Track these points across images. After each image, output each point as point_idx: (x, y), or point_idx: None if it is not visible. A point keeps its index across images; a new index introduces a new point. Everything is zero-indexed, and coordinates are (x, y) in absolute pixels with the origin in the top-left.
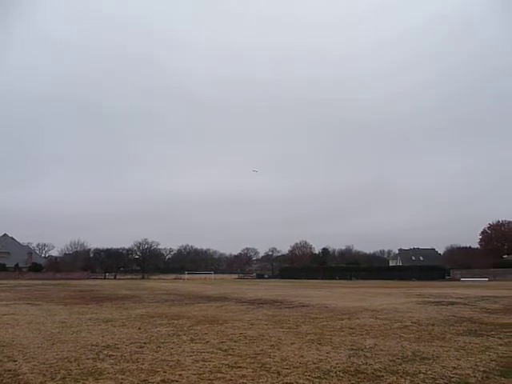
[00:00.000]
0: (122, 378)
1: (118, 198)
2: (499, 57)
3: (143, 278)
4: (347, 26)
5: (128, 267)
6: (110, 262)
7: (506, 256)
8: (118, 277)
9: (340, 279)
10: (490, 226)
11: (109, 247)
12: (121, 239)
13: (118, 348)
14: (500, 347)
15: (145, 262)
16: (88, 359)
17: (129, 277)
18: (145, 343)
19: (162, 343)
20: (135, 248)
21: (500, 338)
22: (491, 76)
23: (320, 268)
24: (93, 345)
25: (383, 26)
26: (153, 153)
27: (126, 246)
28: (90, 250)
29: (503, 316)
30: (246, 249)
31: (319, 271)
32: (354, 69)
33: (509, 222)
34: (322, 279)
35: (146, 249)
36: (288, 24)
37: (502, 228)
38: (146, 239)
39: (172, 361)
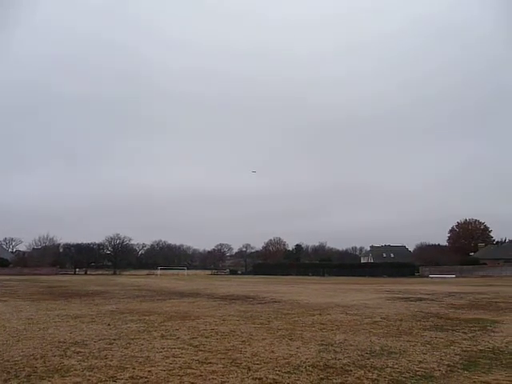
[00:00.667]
0: (90, 375)
1: (90, 193)
2: (478, 61)
3: (115, 273)
4: (323, 27)
5: (99, 263)
6: (81, 257)
7: (472, 253)
8: (88, 272)
9: (313, 275)
10: (458, 225)
11: (79, 242)
12: (92, 234)
13: (86, 345)
14: (464, 342)
15: (116, 257)
16: (55, 356)
17: (100, 272)
18: (114, 340)
19: (132, 339)
20: (107, 243)
21: (464, 333)
22: (458, 87)
23: (293, 264)
24: (60, 341)
25: (361, 28)
26: (126, 147)
27: (98, 241)
28: (59, 244)
29: (468, 311)
30: (220, 245)
31: (292, 267)
32: (328, 70)
33: (475, 221)
34: (296, 275)
35: (118, 244)
36: (263, 22)
37: (469, 226)
38: (118, 234)
39: (141, 357)
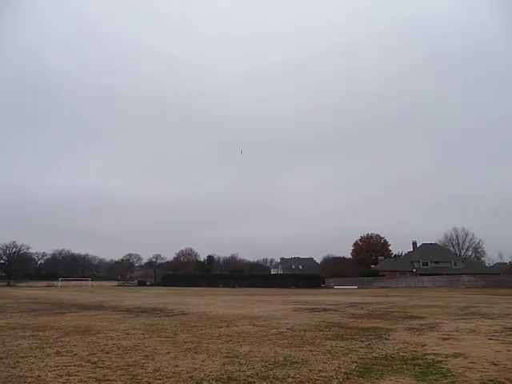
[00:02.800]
0: None
1: None
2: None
3: (9, 285)
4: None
5: None
6: None
7: (373, 266)
8: None
9: (223, 287)
10: (361, 239)
11: None
12: None
13: None
14: (361, 349)
15: (11, 267)
16: None
17: None
18: (1, 358)
19: (22, 358)
20: (0, 252)
21: (362, 341)
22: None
23: (204, 276)
24: None
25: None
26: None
27: None
28: None
29: (367, 320)
30: (129, 255)
31: (203, 279)
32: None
33: (377, 235)
34: (206, 287)
35: (14, 253)
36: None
37: (371, 240)
38: (14, 242)
39: (31, 377)
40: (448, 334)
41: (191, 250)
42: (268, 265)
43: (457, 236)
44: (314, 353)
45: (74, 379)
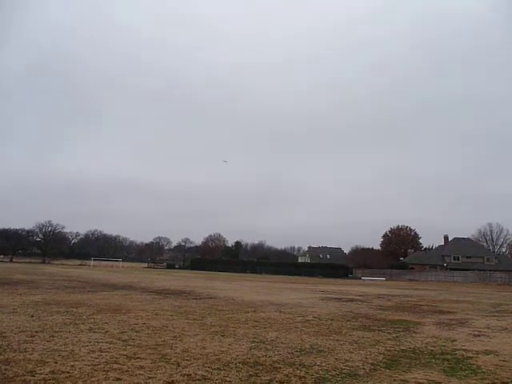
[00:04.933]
0: (6, 369)
1: (18, 170)
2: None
3: (44, 262)
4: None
5: (28, 250)
6: (6, 243)
7: (402, 258)
8: (14, 260)
9: (250, 273)
10: (391, 230)
11: (6, 228)
12: (21, 220)
13: (4, 337)
14: (388, 341)
15: (47, 245)
16: None
17: (27, 261)
18: (37, 332)
19: (56, 332)
20: (37, 230)
21: (389, 333)
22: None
23: (231, 261)
24: None
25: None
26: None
27: (27, 228)
28: None
29: (394, 313)
30: (159, 238)
31: (230, 264)
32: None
33: (407, 227)
34: (233, 272)
35: (50, 231)
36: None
37: (401, 232)
38: (49, 221)
39: (65, 351)
40: (479, 331)
41: (219, 235)
42: (295, 253)
43: (491, 231)
44: (341, 342)
45: (105, 355)
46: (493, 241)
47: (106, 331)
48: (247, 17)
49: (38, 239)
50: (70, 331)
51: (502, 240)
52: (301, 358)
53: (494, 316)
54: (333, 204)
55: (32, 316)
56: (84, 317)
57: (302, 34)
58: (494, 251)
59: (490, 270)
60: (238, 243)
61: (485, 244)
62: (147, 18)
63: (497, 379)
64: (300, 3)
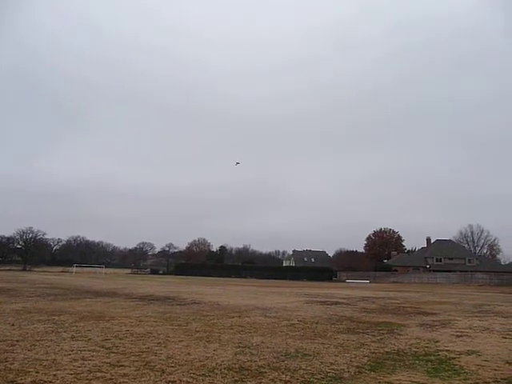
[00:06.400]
0: None
1: None
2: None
3: (25, 269)
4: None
5: (8, 258)
6: None
7: (386, 260)
8: None
9: (235, 277)
10: (375, 233)
11: None
12: (0, 226)
13: None
14: (373, 344)
15: (28, 252)
16: None
17: (8, 268)
18: (17, 341)
19: (38, 341)
20: (17, 237)
21: (373, 336)
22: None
23: (216, 266)
24: None
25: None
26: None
27: (7, 235)
28: None
29: (378, 315)
30: (142, 243)
31: (215, 269)
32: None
33: (390, 230)
34: (218, 277)
35: (31, 238)
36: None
37: (385, 235)
38: (30, 228)
39: (47, 360)
40: (461, 331)
41: (204, 239)
42: (280, 257)
43: (472, 233)
44: (326, 346)
45: (88, 363)
46: (474, 242)
47: (89, 339)
48: (236, 24)
49: (19, 246)
50: (51, 340)
51: (482, 241)
52: (286, 362)
53: (476, 316)
54: (317, 207)
55: (12, 325)
56: (66, 325)
57: (296, 36)
58: (475, 252)
59: (471, 271)
60: (222, 248)
61: (466, 245)
62: (137, 24)
63: (479, 379)
64: (290, 6)
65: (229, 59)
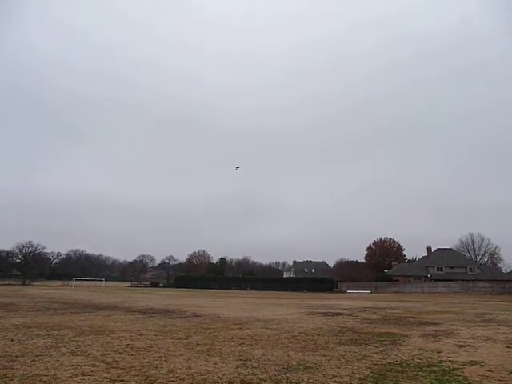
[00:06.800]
0: None
1: None
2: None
3: (24, 284)
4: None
5: (7, 272)
6: None
7: (386, 270)
8: None
9: (236, 289)
10: (375, 243)
11: None
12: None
13: None
14: (375, 355)
15: (27, 266)
16: None
17: (7, 282)
18: (17, 356)
19: (38, 356)
20: (17, 251)
21: (376, 347)
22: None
23: (216, 278)
24: None
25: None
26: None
27: (6, 249)
28: None
29: (380, 326)
30: (142, 256)
31: (216, 281)
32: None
33: (390, 239)
34: (219, 289)
35: (30, 252)
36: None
37: (385, 245)
38: (30, 241)
39: (47, 375)
40: (464, 341)
41: (204, 251)
42: (280, 268)
43: (472, 241)
44: (328, 357)
45: (88, 379)
46: (474, 250)
47: (89, 354)
48: (228, 39)
49: (18, 260)
50: (51, 355)
51: (483, 250)
52: (288, 375)
53: (479, 326)
54: (317, 218)
55: (12, 340)
56: (66, 339)
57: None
58: (476, 261)
59: (473, 280)
60: (222, 259)
61: (467, 254)
62: (135, 37)
63: None
64: (285, 19)
65: (221, 72)
